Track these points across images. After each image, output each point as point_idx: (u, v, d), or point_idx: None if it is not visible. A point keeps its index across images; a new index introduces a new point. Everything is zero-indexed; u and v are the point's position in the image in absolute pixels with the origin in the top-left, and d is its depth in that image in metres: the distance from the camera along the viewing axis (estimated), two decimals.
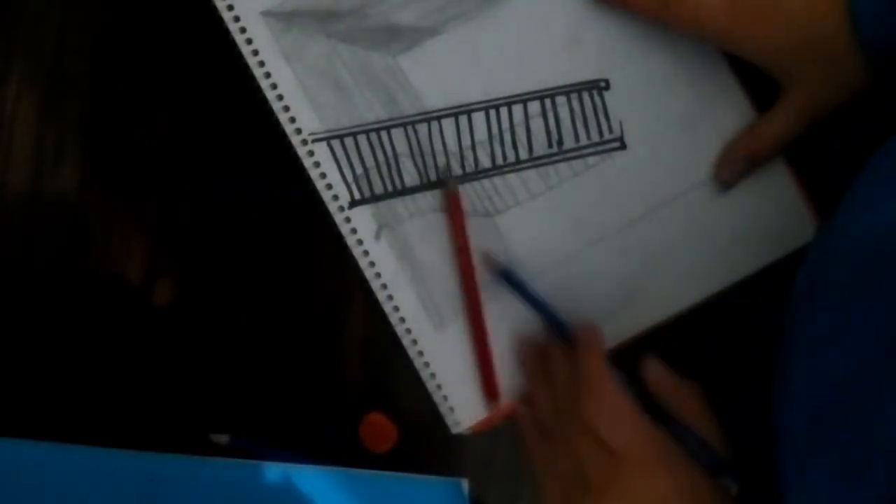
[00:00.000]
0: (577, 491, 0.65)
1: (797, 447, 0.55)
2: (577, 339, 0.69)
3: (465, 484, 0.75)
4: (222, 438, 0.75)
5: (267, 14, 0.71)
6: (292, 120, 0.71)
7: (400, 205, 0.72)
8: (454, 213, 0.71)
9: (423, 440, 0.76)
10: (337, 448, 0.76)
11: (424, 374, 0.73)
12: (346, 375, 0.76)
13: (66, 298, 0.76)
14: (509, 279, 0.71)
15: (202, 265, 0.77)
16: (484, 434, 0.75)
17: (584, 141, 0.74)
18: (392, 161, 0.72)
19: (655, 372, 0.69)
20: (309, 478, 0.74)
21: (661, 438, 0.64)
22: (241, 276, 0.77)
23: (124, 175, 0.77)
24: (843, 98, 0.67)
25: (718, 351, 0.75)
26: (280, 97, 0.71)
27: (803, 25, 0.65)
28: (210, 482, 0.74)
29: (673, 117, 0.74)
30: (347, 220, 0.72)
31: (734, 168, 0.73)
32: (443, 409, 0.73)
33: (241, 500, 0.74)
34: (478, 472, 0.76)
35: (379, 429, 0.76)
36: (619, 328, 0.73)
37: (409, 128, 0.72)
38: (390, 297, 0.72)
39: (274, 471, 0.74)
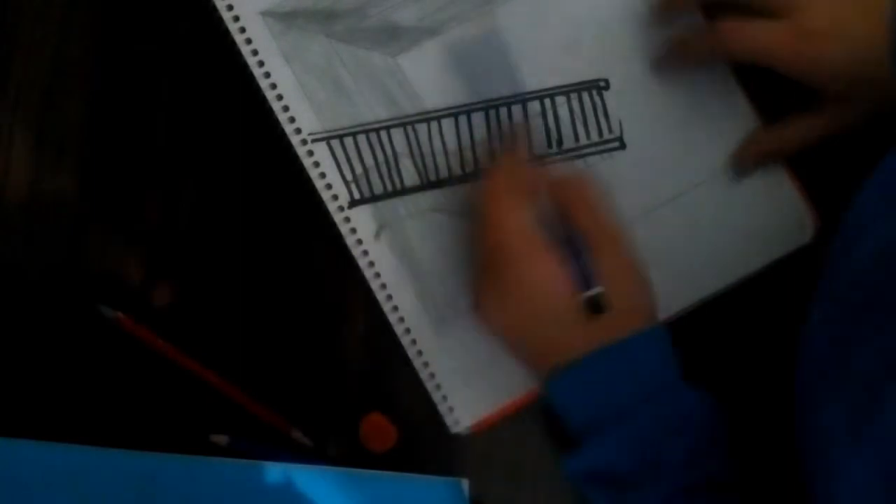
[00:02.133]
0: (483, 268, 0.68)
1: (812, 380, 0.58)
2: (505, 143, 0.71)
3: (465, 484, 0.75)
4: (222, 438, 0.75)
5: (266, 14, 0.71)
6: (292, 120, 0.71)
7: (399, 205, 0.72)
8: None
9: (423, 440, 0.76)
10: (337, 448, 0.76)
11: (423, 374, 0.73)
12: (346, 376, 0.76)
13: (65, 299, 0.76)
14: None
15: (202, 265, 0.77)
16: (484, 434, 0.75)
17: (583, 141, 0.74)
18: (392, 161, 0.72)
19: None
20: (309, 478, 0.74)
21: (542, 240, 0.66)
22: (240, 276, 0.77)
23: (124, 175, 0.77)
24: (876, 111, 0.69)
25: (718, 352, 0.75)
26: (279, 97, 0.71)
27: (862, 49, 0.66)
28: (210, 482, 0.73)
29: (672, 117, 0.74)
30: (347, 219, 0.72)
31: (754, 161, 0.74)
32: (442, 408, 0.73)
33: (241, 500, 0.74)
34: (478, 472, 0.76)
35: (379, 429, 0.76)
36: None
37: (409, 128, 0.72)
38: (389, 297, 0.72)
39: (274, 471, 0.74)
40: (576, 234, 0.66)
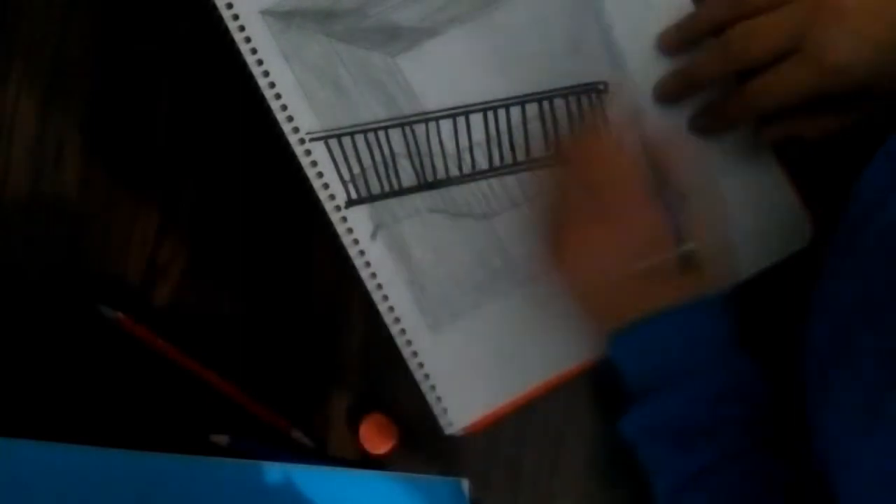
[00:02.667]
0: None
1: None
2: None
3: (465, 484, 0.75)
4: (222, 438, 0.75)
5: (266, 13, 0.71)
6: (290, 119, 0.71)
7: (397, 205, 0.72)
8: None
9: (423, 440, 0.76)
10: (337, 448, 0.76)
11: (418, 375, 0.72)
12: (346, 376, 0.76)
13: (66, 299, 0.76)
14: None
15: (202, 265, 0.77)
16: (484, 434, 0.74)
17: None
18: (389, 161, 0.72)
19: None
20: (309, 478, 0.74)
21: (648, 188, 0.66)
22: (239, 276, 0.77)
23: (124, 175, 0.77)
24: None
25: None
26: (278, 96, 0.71)
27: (884, 52, 0.65)
28: (210, 482, 0.74)
29: (671, 121, 0.74)
30: (344, 219, 0.71)
31: (774, 138, 0.74)
32: (436, 409, 0.73)
33: (241, 500, 0.74)
34: (478, 472, 0.76)
35: (379, 429, 0.76)
36: None
37: (407, 128, 0.72)
38: (385, 297, 0.71)
39: (274, 471, 0.74)
40: (670, 189, 0.66)
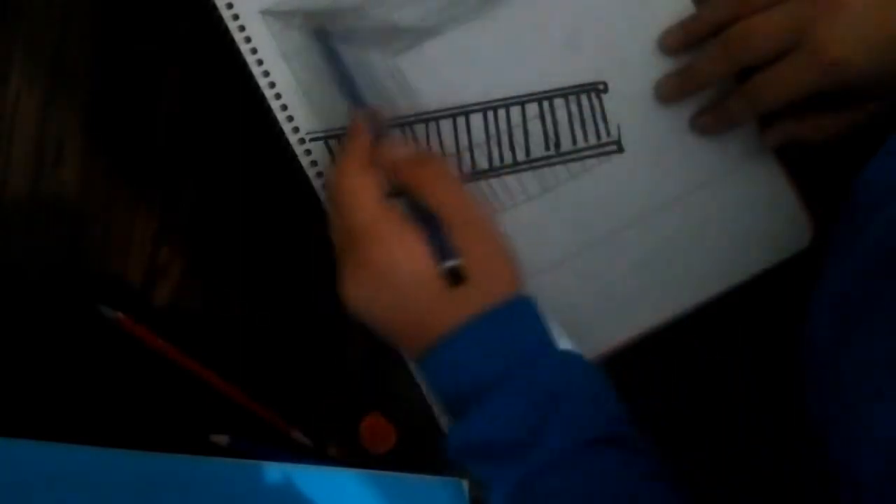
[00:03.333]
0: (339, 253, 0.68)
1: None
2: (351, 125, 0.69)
3: (465, 484, 0.75)
4: (222, 438, 0.75)
5: (266, 13, 0.71)
6: (290, 119, 0.71)
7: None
8: None
9: (423, 440, 0.76)
10: (337, 448, 0.76)
11: (418, 375, 0.72)
12: (346, 376, 0.76)
13: (66, 299, 0.76)
14: (321, 39, 0.71)
15: (202, 265, 0.77)
16: None
17: (581, 144, 0.74)
18: None
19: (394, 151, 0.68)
20: (309, 478, 0.74)
21: (397, 218, 0.65)
22: (239, 277, 0.77)
23: (124, 175, 0.77)
24: None
25: (715, 355, 0.75)
26: (278, 96, 0.71)
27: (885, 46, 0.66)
28: (210, 482, 0.74)
29: (671, 121, 0.74)
30: None
31: (779, 141, 0.74)
32: (436, 410, 0.73)
33: (241, 500, 0.74)
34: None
35: (379, 429, 0.76)
36: (615, 331, 0.73)
37: (407, 128, 0.72)
38: None
39: (274, 471, 0.74)
40: (429, 211, 0.65)
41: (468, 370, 0.64)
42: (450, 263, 0.63)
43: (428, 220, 0.64)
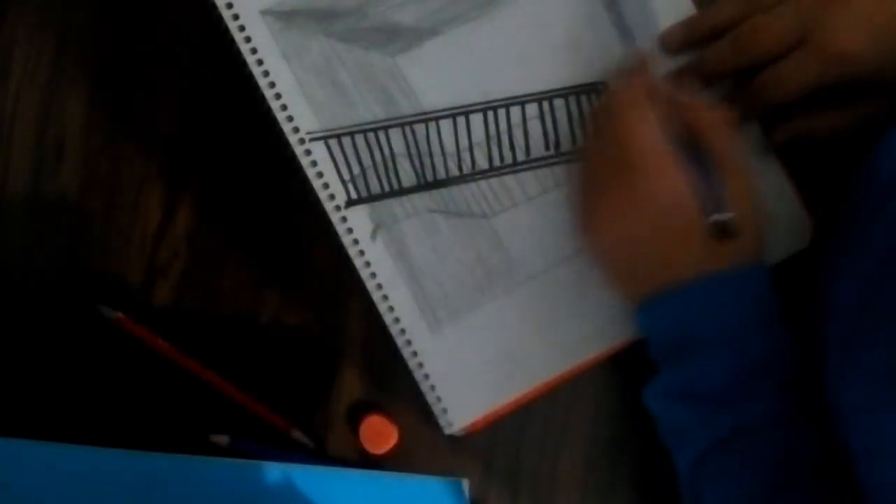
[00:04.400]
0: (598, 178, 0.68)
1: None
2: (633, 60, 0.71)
3: (465, 484, 0.75)
4: (222, 438, 0.75)
5: (266, 13, 0.71)
6: (290, 119, 0.71)
7: (396, 205, 0.72)
8: None
9: (423, 440, 0.76)
10: (337, 448, 0.76)
11: (418, 375, 0.72)
12: (346, 376, 0.76)
13: (66, 299, 0.76)
14: None
15: (202, 265, 0.77)
16: (484, 434, 0.74)
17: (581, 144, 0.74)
18: (389, 161, 0.72)
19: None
20: (309, 478, 0.74)
21: (676, 158, 0.65)
22: (239, 276, 0.77)
23: (124, 175, 0.77)
24: None
25: None
26: (278, 96, 0.71)
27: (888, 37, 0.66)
28: (210, 482, 0.74)
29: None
30: (344, 219, 0.71)
31: (784, 138, 0.74)
32: (436, 409, 0.73)
33: (241, 500, 0.74)
34: (478, 472, 0.76)
35: (379, 429, 0.76)
36: (616, 331, 0.73)
37: (407, 128, 0.72)
38: (385, 297, 0.71)
39: (274, 471, 0.74)
40: (707, 156, 0.65)
41: (698, 322, 0.64)
42: (724, 216, 0.64)
43: (703, 164, 0.65)
